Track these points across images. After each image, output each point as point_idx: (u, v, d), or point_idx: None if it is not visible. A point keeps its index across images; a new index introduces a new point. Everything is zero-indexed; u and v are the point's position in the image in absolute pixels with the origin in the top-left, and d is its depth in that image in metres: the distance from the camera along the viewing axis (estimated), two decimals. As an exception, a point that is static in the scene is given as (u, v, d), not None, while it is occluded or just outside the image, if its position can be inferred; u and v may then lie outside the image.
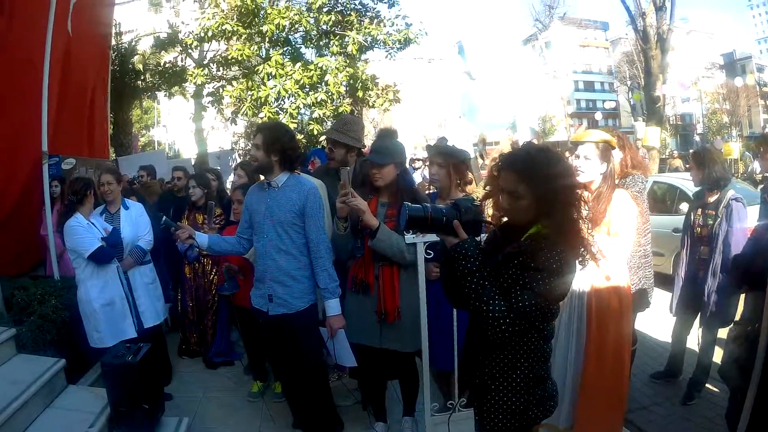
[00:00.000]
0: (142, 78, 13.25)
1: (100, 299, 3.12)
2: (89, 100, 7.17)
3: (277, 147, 2.41)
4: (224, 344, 4.06)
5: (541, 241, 1.40)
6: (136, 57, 13.75)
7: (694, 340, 3.32)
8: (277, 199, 2.44)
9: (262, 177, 2.61)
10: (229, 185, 6.23)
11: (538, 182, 1.40)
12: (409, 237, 2.39)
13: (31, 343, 3.19)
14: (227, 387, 3.68)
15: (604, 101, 39.22)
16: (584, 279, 2.32)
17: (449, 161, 2.67)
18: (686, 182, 5.82)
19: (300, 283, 2.43)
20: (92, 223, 3.20)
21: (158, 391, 2.89)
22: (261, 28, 9.84)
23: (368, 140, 5.26)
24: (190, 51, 12.24)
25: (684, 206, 5.14)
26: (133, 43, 13.80)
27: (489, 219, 1.58)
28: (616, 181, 2.53)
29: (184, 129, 26.90)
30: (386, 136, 2.75)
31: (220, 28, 9.64)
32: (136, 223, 3.45)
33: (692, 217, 3.36)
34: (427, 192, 3.14)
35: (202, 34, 9.97)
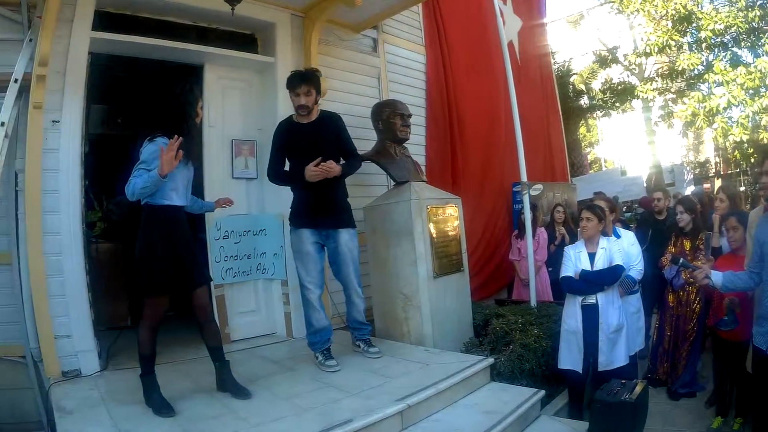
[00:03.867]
0: (589, 96, 13.46)
1: (565, 324, 3.33)
2: (546, 125, 7.49)
3: None
4: (691, 375, 3.90)
5: None
6: (573, 76, 13.87)
7: None
8: None
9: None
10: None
11: None
12: None
13: (508, 372, 3.22)
14: (687, 421, 3.53)
15: None
16: None
17: None
18: None
19: None
20: (596, 251, 3.23)
21: (641, 426, 2.78)
22: (699, 36, 9.75)
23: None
24: (633, 67, 12.42)
25: None
26: (567, 64, 13.96)
27: None
28: None
29: (625, 143, 25.43)
30: None
31: (665, 42, 9.98)
32: (627, 253, 3.37)
33: None
34: None
35: (648, 50, 10.39)
